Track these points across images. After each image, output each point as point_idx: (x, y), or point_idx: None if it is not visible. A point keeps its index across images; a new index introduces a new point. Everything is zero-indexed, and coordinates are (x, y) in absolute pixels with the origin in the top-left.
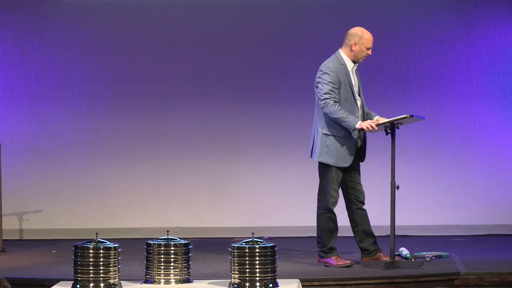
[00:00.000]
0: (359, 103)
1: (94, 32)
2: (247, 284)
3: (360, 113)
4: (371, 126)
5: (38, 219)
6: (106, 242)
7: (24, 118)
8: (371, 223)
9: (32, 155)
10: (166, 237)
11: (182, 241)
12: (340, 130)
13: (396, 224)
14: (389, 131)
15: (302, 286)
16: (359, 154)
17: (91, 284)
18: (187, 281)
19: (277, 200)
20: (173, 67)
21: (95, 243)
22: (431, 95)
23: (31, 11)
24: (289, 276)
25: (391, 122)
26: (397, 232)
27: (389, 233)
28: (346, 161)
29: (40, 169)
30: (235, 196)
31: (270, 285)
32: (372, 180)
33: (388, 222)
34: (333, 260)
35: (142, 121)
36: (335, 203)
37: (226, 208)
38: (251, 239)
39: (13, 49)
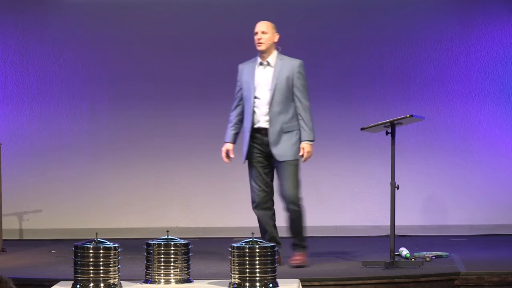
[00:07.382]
0: (258, 101)
1: (94, 32)
2: (247, 284)
3: (260, 111)
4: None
5: (38, 219)
6: (106, 242)
7: (24, 118)
8: (371, 223)
9: (32, 155)
10: (166, 237)
11: (182, 241)
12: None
13: (396, 224)
14: (389, 131)
15: (302, 286)
16: (270, 155)
17: (91, 284)
18: (187, 281)
19: (277, 200)
20: (173, 67)
21: (95, 243)
22: (431, 95)
23: (31, 11)
24: (289, 276)
25: (391, 122)
26: (397, 232)
27: (389, 233)
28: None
29: (40, 169)
30: (235, 196)
31: (270, 285)
32: (372, 180)
33: (388, 222)
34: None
35: (142, 121)
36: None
37: (226, 208)
38: (251, 239)
39: (13, 49)
